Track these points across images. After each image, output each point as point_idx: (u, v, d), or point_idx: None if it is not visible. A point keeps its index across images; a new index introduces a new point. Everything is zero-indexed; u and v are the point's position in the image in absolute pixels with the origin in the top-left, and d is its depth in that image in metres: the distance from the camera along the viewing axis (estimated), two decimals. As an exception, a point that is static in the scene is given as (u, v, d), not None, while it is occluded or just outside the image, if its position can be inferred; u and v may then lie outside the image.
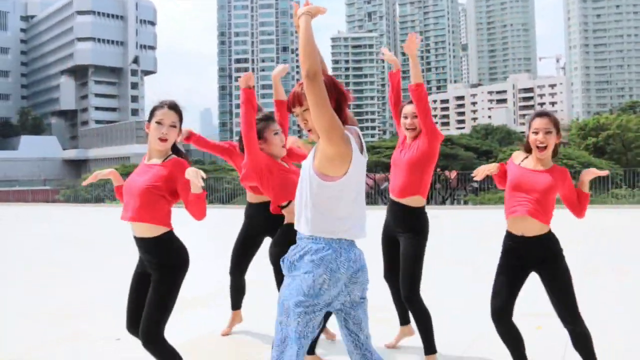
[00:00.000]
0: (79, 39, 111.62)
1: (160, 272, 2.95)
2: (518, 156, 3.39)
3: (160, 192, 2.96)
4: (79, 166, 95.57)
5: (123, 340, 4.46)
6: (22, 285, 6.84)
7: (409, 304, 3.68)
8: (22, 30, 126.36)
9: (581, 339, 3.21)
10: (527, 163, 3.31)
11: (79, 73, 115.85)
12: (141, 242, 3.00)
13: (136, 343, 4.22)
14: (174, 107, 3.04)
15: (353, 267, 2.31)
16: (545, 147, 3.19)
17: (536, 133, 3.20)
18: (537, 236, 3.18)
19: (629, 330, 4.50)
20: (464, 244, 9.55)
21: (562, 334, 4.37)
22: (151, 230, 2.97)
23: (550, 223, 3.25)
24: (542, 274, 3.24)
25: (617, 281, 6.41)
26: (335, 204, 2.29)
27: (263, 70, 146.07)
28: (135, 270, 3.13)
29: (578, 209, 3.26)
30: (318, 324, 2.31)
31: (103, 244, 10.83)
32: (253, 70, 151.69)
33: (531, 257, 3.22)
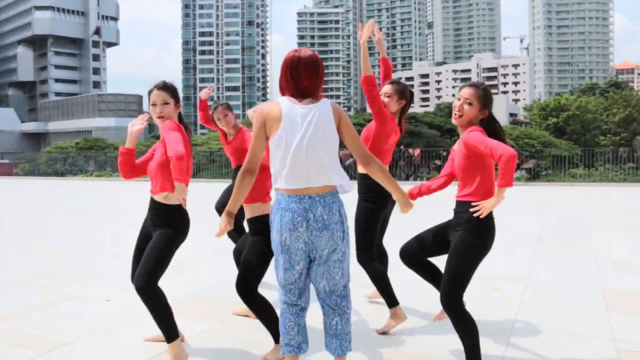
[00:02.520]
0: (37, 8, 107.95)
1: (161, 230, 3.33)
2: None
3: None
4: (38, 139, 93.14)
5: (113, 301, 4.73)
6: (4, 253, 6.95)
7: (362, 265, 3.99)
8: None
9: (453, 324, 3.07)
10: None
11: (38, 43, 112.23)
12: (153, 204, 3.38)
13: (126, 303, 4.50)
14: (162, 87, 3.42)
15: (294, 218, 2.74)
16: (461, 117, 3.20)
17: (459, 100, 3.24)
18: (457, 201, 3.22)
19: (573, 290, 4.97)
20: (424, 214, 9.96)
21: (516, 296, 4.83)
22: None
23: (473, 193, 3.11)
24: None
25: (566, 250, 6.93)
26: (273, 158, 2.81)
27: (228, 44, 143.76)
28: (141, 229, 3.51)
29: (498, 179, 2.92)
30: (291, 257, 2.80)
31: (76, 214, 10.95)
32: (217, 43, 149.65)
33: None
